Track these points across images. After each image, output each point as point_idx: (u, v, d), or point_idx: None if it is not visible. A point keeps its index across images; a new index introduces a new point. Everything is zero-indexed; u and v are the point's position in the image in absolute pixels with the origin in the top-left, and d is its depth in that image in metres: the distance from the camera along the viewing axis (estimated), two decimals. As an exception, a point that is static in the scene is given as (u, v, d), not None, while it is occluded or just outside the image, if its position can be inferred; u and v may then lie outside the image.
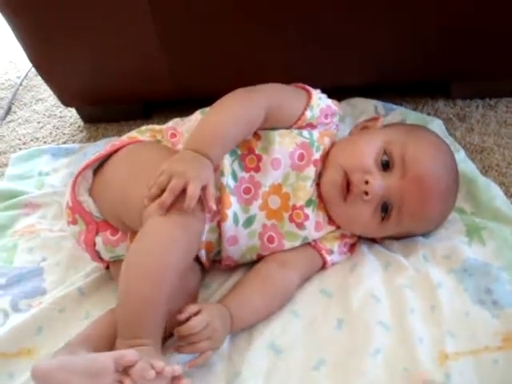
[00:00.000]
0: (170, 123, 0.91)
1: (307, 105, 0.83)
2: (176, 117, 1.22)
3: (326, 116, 0.85)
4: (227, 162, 0.79)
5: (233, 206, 0.78)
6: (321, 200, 0.83)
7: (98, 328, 0.72)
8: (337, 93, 1.19)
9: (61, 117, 1.34)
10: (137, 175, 0.78)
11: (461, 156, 1.01)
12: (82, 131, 1.29)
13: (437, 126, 1.09)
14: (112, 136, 1.21)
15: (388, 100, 1.17)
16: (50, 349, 0.74)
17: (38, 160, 1.16)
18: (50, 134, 1.29)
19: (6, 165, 1.17)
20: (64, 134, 1.28)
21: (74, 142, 1.24)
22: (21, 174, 1.12)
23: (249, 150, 0.81)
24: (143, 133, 0.88)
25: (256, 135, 0.82)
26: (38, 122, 1.33)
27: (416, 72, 1.15)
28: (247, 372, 0.70)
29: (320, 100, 0.84)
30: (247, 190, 0.80)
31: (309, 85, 1.13)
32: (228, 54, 1.11)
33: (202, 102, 1.26)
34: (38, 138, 1.28)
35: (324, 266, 0.85)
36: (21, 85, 1.49)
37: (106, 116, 1.28)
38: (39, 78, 1.48)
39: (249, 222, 0.80)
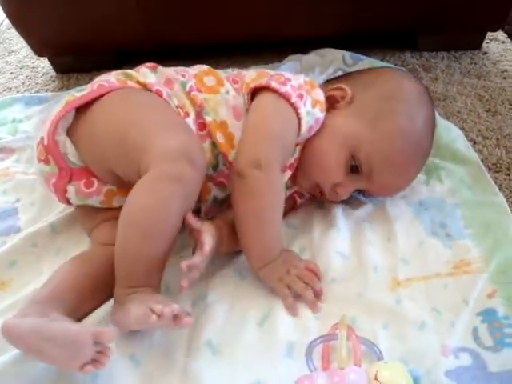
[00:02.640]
0: (153, 79, 0.82)
1: (297, 135, 0.77)
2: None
3: (311, 131, 0.79)
4: (209, 155, 0.78)
5: (212, 192, 0.81)
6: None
7: (63, 280, 0.71)
8: (309, 43, 1.23)
9: (33, 67, 1.35)
10: (139, 119, 0.74)
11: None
12: (54, 81, 1.30)
13: (402, 75, 1.12)
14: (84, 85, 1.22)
15: (358, 51, 1.20)
16: (22, 281, 0.78)
17: (11, 108, 1.17)
18: (23, 83, 1.29)
19: (-21, 114, 1.18)
20: (37, 83, 1.29)
21: (46, 92, 1.25)
22: (-6, 122, 1.13)
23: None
24: (130, 78, 0.81)
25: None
26: (11, 73, 1.34)
27: (385, 22, 1.18)
28: (212, 296, 0.74)
29: (308, 116, 0.77)
30: (223, 183, 0.81)
31: (282, 36, 1.16)
32: (200, 2, 1.12)
33: (173, 52, 1.28)
34: (10, 88, 1.28)
35: (293, 207, 0.88)
36: (-8, 37, 1.48)
37: (78, 66, 1.29)
38: (11, 31, 1.49)
39: (226, 198, 0.82)
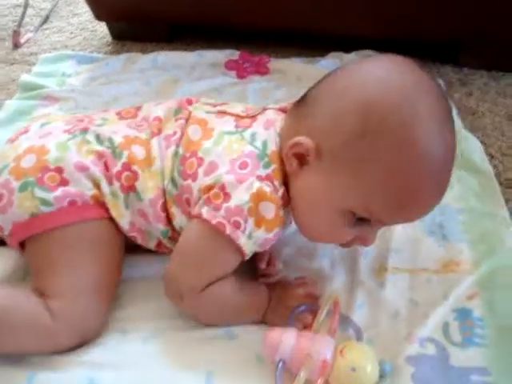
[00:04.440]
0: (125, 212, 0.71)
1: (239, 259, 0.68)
2: (199, 44, 1.28)
3: (265, 246, 0.68)
4: None
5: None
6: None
7: None
8: (348, 43, 1.26)
9: (92, 31, 1.43)
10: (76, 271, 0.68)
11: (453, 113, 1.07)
12: (109, 45, 1.38)
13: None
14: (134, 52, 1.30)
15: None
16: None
17: (64, 63, 1.25)
18: (80, 43, 1.38)
19: (35, 64, 1.27)
20: (92, 45, 1.38)
21: (99, 54, 1.33)
22: (45, 72, 1.22)
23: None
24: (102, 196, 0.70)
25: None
26: (71, 33, 1.43)
27: (428, 31, 1.20)
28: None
29: (251, 240, 0.65)
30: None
31: (326, 31, 1.18)
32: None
33: (222, 32, 1.34)
34: (67, 46, 1.37)
35: None
36: (61, -1, 1.58)
37: (132, 34, 1.37)
38: (78, -6, 1.58)
39: None
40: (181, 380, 0.64)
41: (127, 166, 0.70)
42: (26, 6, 1.43)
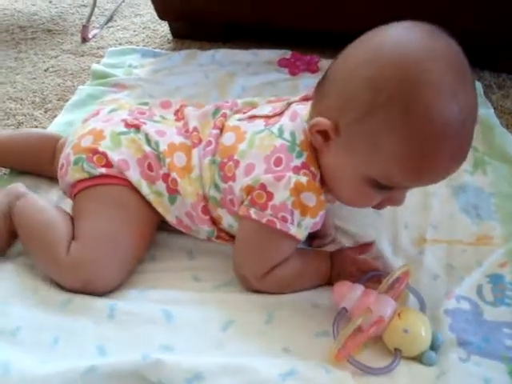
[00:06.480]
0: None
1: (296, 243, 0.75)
2: (253, 45, 1.39)
3: (315, 227, 0.74)
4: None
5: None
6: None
7: None
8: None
9: (153, 30, 1.56)
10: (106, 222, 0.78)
11: (490, 112, 1.16)
12: (169, 43, 1.50)
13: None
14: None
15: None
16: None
17: (130, 56, 1.37)
18: (143, 40, 1.50)
19: (102, 56, 1.39)
20: (154, 42, 1.49)
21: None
22: (113, 64, 1.34)
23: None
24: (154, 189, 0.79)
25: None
26: (134, 31, 1.55)
27: (468, 36, 1.28)
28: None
29: (301, 228, 0.72)
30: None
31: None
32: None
33: (276, 34, 1.44)
34: (131, 42, 1.49)
35: None
36: (123, 1, 1.70)
37: (191, 34, 1.49)
38: (141, -3, 1.71)
39: None
40: (247, 315, 0.73)
41: (169, 173, 0.78)
42: (94, 4, 1.56)
